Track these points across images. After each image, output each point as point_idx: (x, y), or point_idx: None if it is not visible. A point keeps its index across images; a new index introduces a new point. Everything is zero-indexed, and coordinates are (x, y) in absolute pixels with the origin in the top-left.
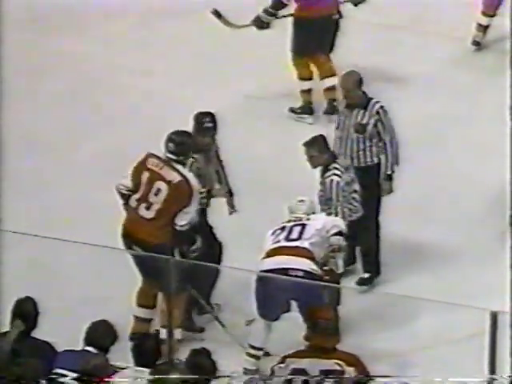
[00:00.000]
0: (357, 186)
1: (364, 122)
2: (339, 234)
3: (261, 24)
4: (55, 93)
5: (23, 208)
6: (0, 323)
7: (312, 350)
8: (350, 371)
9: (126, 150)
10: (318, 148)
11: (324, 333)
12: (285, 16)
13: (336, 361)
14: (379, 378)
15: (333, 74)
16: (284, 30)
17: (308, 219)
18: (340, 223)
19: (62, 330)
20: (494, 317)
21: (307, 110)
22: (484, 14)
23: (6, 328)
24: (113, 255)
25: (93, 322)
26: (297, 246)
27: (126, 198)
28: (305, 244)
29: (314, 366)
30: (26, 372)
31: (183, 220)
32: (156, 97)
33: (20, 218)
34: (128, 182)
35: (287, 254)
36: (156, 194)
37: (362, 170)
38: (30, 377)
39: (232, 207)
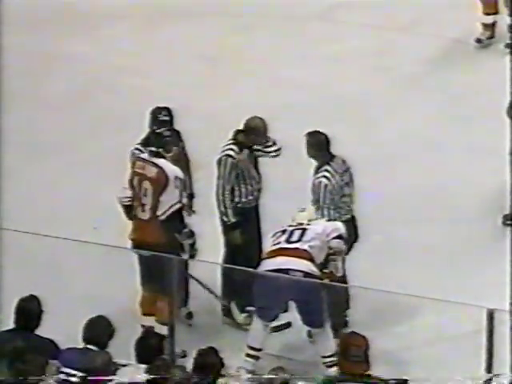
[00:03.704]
0: (348, 190)
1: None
2: (339, 237)
3: None
4: (56, 93)
5: (23, 208)
6: (0, 322)
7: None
8: None
9: (126, 150)
10: (313, 144)
11: (354, 360)
12: None
13: None
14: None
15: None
16: None
17: (308, 224)
18: (340, 227)
19: (63, 329)
20: (491, 315)
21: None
22: (487, 13)
23: (7, 327)
24: (113, 254)
25: (89, 320)
26: (297, 248)
27: (129, 209)
28: (304, 246)
29: None
30: (31, 369)
31: (160, 210)
32: (156, 97)
33: (20, 217)
34: (128, 192)
35: (287, 255)
36: (145, 195)
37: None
38: (36, 374)
39: (190, 208)
